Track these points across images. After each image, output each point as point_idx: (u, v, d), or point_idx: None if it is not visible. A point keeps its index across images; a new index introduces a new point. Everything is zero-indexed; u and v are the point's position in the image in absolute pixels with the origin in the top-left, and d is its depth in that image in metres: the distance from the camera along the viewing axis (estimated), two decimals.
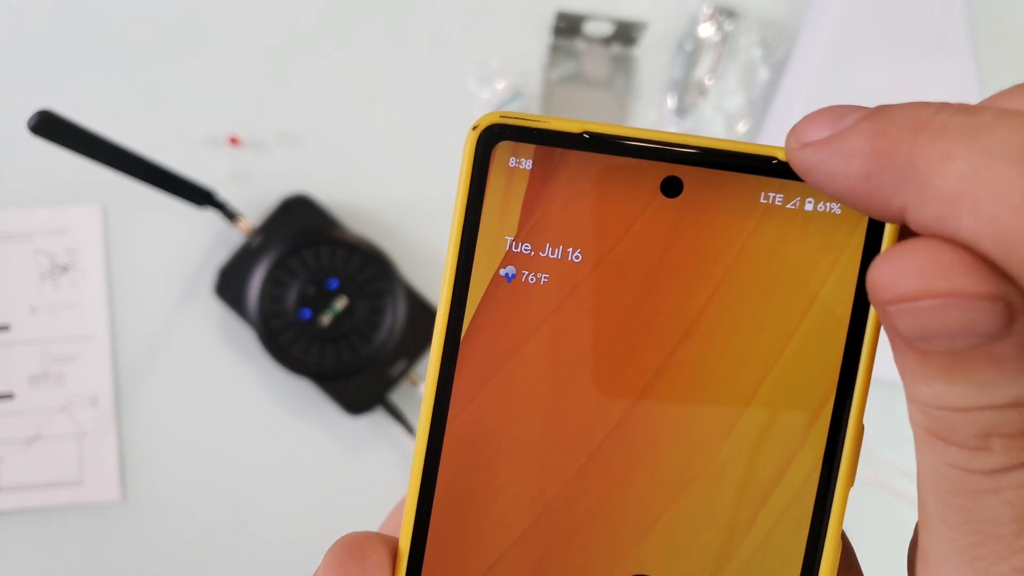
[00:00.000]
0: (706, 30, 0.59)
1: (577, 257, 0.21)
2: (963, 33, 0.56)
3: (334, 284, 0.54)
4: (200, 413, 0.58)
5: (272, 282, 0.54)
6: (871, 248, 0.21)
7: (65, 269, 0.58)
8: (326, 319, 0.54)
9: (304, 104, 0.59)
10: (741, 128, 0.59)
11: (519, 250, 0.21)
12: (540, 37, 0.59)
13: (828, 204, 0.21)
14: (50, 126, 0.45)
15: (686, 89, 0.59)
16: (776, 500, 0.21)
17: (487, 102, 0.59)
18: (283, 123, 0.59)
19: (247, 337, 0.57)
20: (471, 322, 0.21)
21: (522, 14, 0.60)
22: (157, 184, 0.51)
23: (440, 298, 0.21)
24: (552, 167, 0.21)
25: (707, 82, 0.59)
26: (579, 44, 0.59)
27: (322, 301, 0.54)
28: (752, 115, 0.59)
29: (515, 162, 0.21)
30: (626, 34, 0.58)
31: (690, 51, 0.59)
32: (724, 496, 0.21)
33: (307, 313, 0.53)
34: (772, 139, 0.56)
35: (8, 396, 0.57)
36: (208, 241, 0.58)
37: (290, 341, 0.54)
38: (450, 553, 0.21)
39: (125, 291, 0.58)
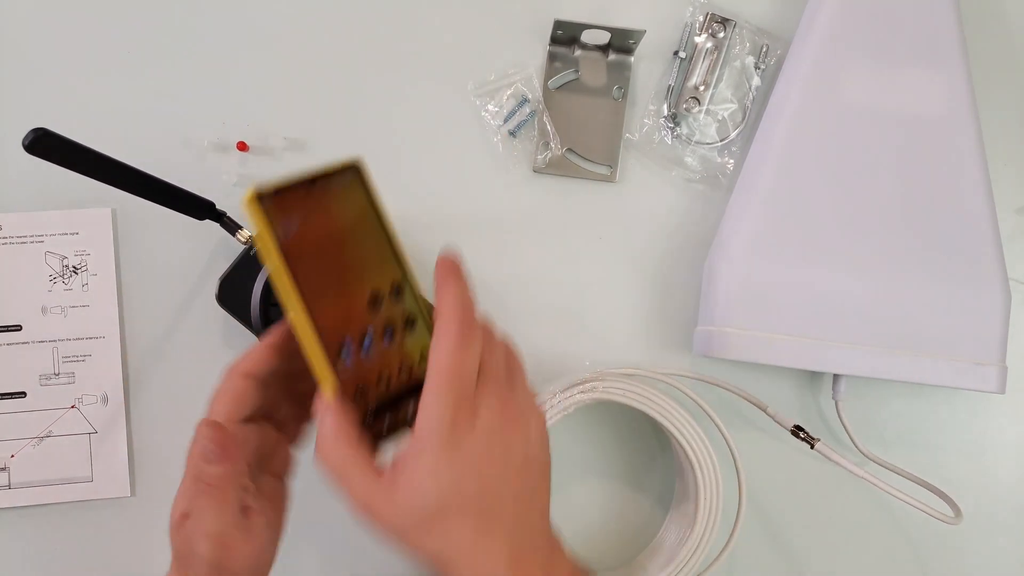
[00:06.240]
0: (700, 38, 0.60)
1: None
2: (954, 40, 0.57)
3: None
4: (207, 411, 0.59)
5: (271, 288, 0.55)
6: None
7: (76, 271, 0.59)
8: None
9: (311, 111, 0.60)
10: (733, 134, 0.60)
11: None
12: (539, 45, 0.61)
13: None
14: (45, 144, 0.44)
15: (681, 96, 0.60)
16: None
17: (496, 113, 0.60)
18: (291, 130, 0.60)
19: (250, 340, 0.58)
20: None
21: (521, 22, 0.61)
22: (156, 198, 0.51)
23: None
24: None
25: (701, 89, 0.60)
26: (577, 52, 0.60)
27: None
28: (745, 122, 0.60)
29: None
30: (623, 42, 0.59)
31: (684, 59, 0.60)
32: None
33: None
34: (763, 144, 0.57)
35: (20, 395, 0.58)
36: (213, 244, 0.59)
37: None
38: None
39: (135, 292, 0.59)
